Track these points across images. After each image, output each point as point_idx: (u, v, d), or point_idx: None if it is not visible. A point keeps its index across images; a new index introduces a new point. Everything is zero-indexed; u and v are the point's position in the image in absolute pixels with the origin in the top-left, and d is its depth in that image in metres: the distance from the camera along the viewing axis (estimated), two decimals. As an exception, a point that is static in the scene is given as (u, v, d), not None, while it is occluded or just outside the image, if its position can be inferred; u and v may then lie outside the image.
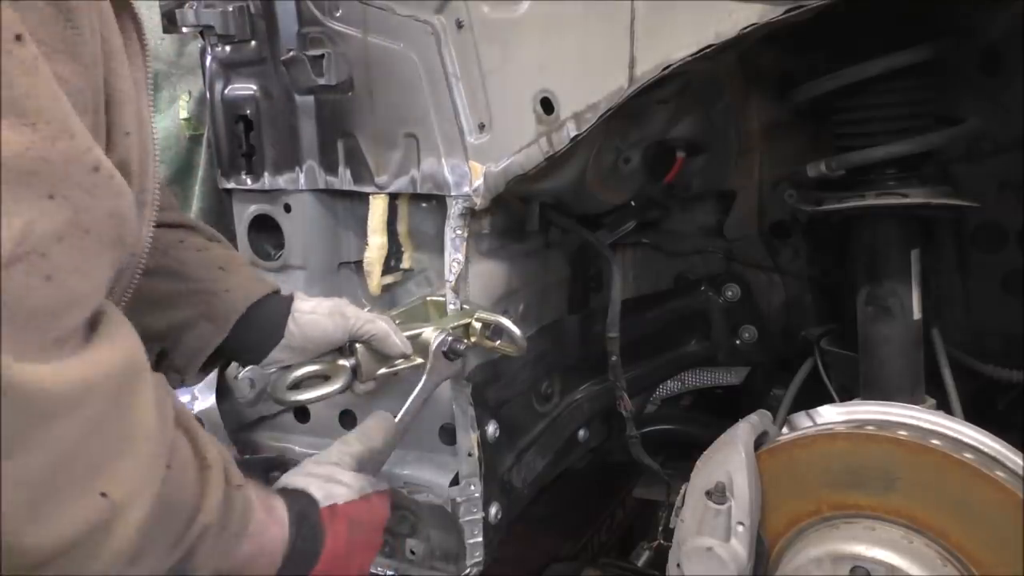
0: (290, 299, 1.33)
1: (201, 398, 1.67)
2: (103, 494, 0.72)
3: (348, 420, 1.63)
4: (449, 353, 1.35)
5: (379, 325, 1.32)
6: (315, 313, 1.31)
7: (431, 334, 1.36)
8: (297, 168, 1.52)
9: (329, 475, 1.20)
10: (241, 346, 1.29)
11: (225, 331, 1.25)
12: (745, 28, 1.11)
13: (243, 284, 1.29)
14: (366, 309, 1.38)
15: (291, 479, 1.18)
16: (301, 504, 1.10)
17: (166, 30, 1.58)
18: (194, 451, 0.89)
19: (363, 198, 1.50)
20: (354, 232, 1.57)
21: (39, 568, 0.69)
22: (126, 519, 0.75)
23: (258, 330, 1.28)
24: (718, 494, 1.25)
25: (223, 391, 1.68)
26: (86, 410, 0.69)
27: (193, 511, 0.87)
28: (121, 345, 0.75)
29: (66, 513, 0.69)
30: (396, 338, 1.32)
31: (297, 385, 1.32)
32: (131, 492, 0.75)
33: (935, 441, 1.20)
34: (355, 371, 1.34)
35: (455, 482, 1.50)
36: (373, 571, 1.60)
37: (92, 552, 0.73)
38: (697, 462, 1.33)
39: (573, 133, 1.27)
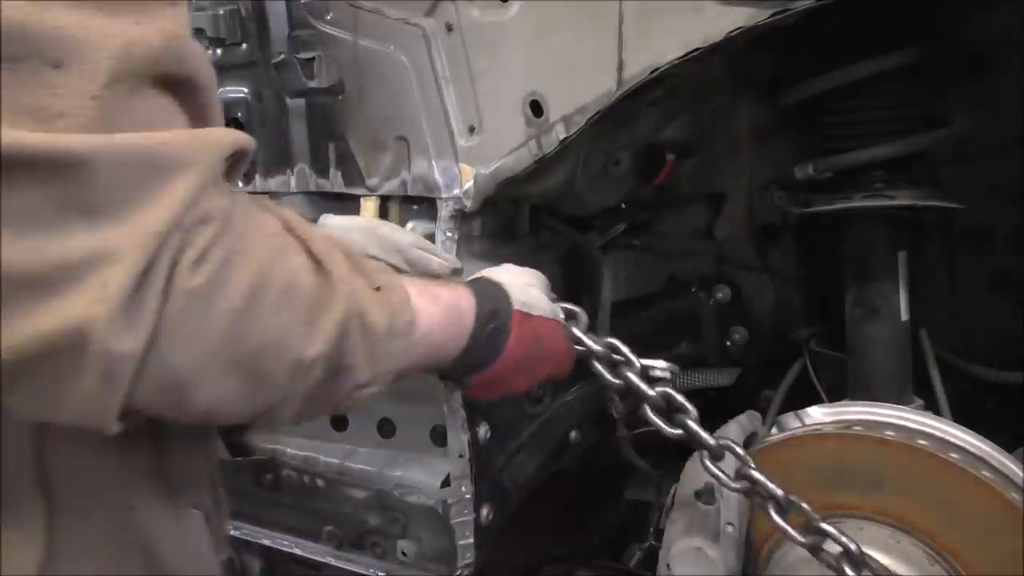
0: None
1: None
2: None
3: (339, 421, 1.64)
4: None
5: (419, 244, 1.24)
6: (344, 228, 1.22)
7: None
8: (288, 170, 1.53)
9: (529, 283, 1.17)
10: None
11: None
12: (732, 31, 1.12)
13: None
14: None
15: (492, 272, 1.16)
16: (495, 300, 1.08)
17: (157, 33, 1.58)
18: (306, 245, 0.82)
19: (354, 200, 1.50)
20: (345, 234, 1.57)
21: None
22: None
23: None
24: (707, 495, 1.25)
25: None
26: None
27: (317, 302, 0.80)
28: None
29: None
30: (439, 257, 1.25)
31: None
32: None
33: (922, 441, 1.21)
34: None
35: (446, 483, 1.50)
36: (364, 572, 1.61)
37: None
38: (687, 463, 1.33)
39: (562, 135, 1.27)
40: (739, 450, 1.14)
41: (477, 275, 1.15)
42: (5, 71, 0.60)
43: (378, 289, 0.88)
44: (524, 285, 1.15)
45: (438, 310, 0.99)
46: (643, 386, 1.19)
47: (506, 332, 1.07)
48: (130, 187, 0.64)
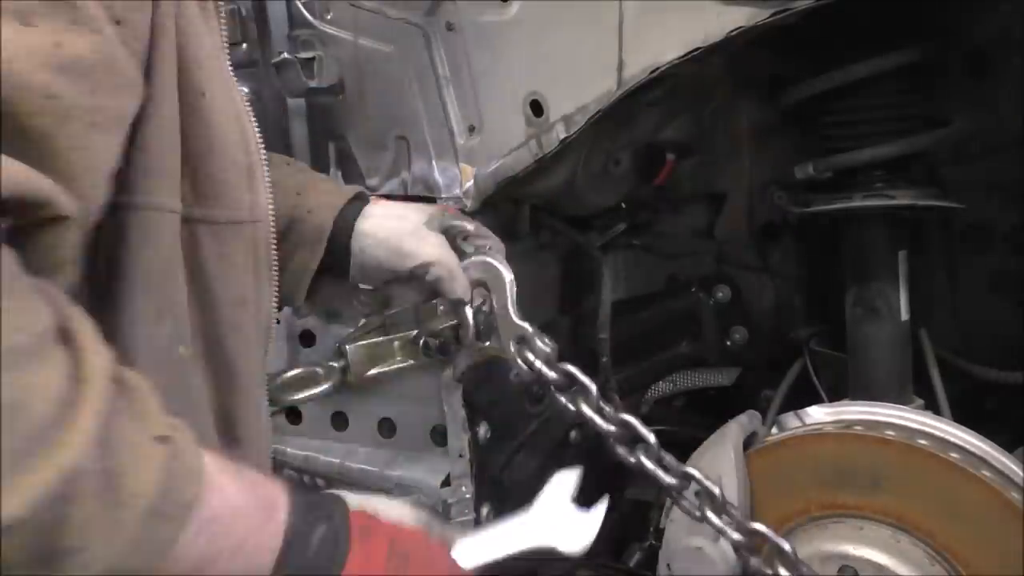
0: (359, 210, 1.20)
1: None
2: None
3: (340, 421, 1.64)
4: (437, 353, 1.35)
5: (441, 267, 1.17)
6: (371, 238, 1.18)
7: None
8: (288, 170, 1.53)
9: (375, 496, 0.86)
10: (335, 264, 1.19)
11: (318, 254, 1.16)
12: (732, 31, 1.12)
13: (324, 201, 1.19)
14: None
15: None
16: (319, 499, 0.78)
17: (157, 33, 1.58)
18: (73, 364, 0.60)
19: (354, 200, 1.50)
20: (345, 234, 1.57)
21: None
22: None
23: (336, 247, 1.19)
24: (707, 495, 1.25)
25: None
26: None
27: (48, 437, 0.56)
28: None
29: None
30: (456, 284, 1.19)
31: (288, 386, 1.32)
32: None
33: (922, 441, 1.21)
34: (344, 372, 1.34)
35: (446, 483, 1.51)
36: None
37: None
38: (687, 463, 1.33)
39: (562, 135, 1.27)
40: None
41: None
42: None
43: (164, 439, 0.64)
44: (368, 496, 0.84)
45: (240, 489, 0.70)
46: (662, 474, 1.11)
47: (343, 538, 0.74)
48: None
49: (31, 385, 0.56)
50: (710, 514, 1.09)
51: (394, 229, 1.19)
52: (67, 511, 0.56)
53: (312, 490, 0.88)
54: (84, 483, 0.57)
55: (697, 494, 1.11)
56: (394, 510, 0.83)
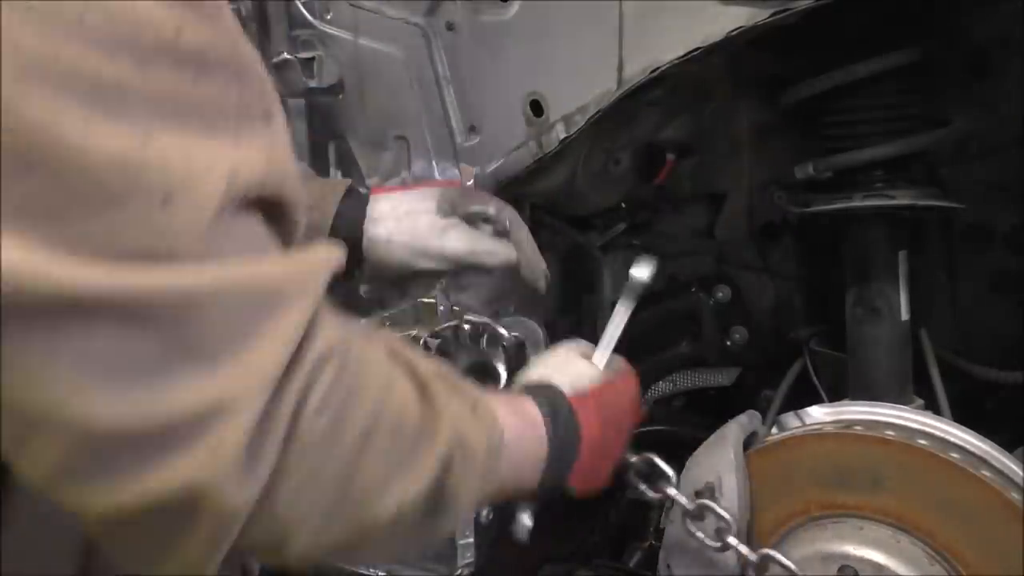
0: (363, 211, 1.25)
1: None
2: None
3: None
4: (436, 353, 1.36)
5: (490, 256, 1.30)
6: (388, 241, 1.24)
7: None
8: (288, 170, 1.53)
9: (566, 360, 1.15)
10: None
11: None
12: (732, 31, 1.12)
13: (320, 197, 1.22)
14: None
15: (530, 374, 1.12)
16: (550, 398, 1.03)
17: (157, 33, 1.58)
18: (411, 376, 0.79)
19: (354, 200, 1.50)
20: (345, 234, 1.57)
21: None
22: None
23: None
24: (707, 494, 1.25)
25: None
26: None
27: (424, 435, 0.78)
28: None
29: None
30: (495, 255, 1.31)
31: None
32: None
33: (922, 441, 1.21)
34: None
35: (446, 483, 1.50)
36: (363, 571, 1.60)
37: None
38: (687, 463, 1.33)
39: (562, 135, 1.28)
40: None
41: (520, 383, 1.12)
42: (108, 214, 0.52)
43: (474, 408, 0.85)
44: (559, 365, 1.13)
45: (515, 417, 0.95)
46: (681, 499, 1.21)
47: (573, 421, 1.03)
48: (238, 326, 0.58)
49: (401, 402, 0.75)
50: (730, 539, 1.17)
51: (411, 229, 1.25)
52: (445, 476, 0.78)
53: (539, 388, 1.05)
54: (452, 454, 0.78)
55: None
56: (585, 374, 1.12)
